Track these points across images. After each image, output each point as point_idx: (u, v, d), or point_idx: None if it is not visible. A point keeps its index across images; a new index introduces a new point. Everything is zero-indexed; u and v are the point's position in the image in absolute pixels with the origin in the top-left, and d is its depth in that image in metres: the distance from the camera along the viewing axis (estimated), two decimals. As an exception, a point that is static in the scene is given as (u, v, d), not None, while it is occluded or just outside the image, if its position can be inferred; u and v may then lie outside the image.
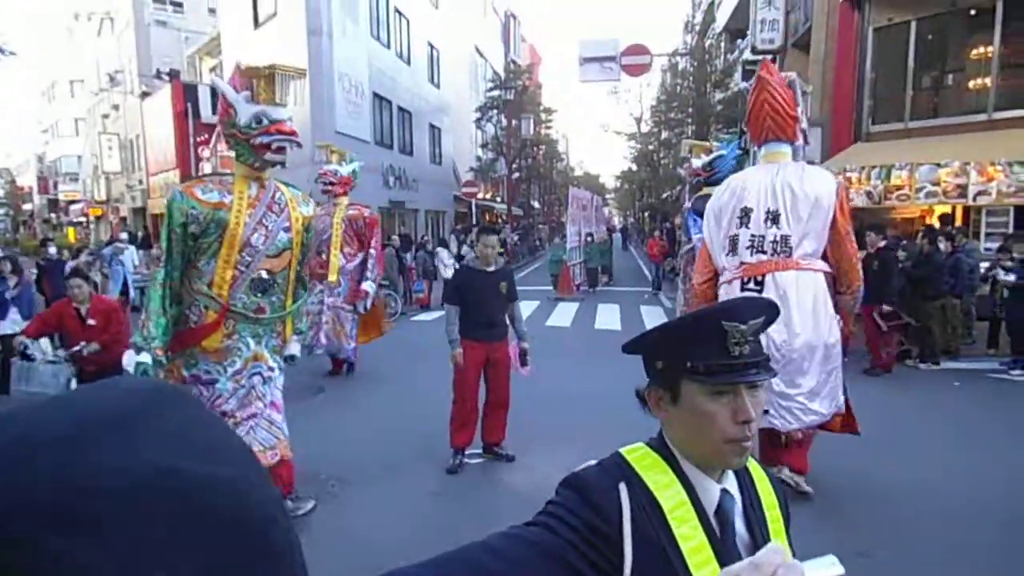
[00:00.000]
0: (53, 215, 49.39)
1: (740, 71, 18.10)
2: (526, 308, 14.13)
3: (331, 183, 8.03)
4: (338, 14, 17.20)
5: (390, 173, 20.70)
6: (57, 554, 0.31)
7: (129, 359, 3.72)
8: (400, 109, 21.84)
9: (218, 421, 0.44)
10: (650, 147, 35.87)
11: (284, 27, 17.36)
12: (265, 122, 3.65)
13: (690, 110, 21.66)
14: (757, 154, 4.78)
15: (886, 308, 7.79)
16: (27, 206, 57.88)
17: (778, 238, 4.25)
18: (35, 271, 9.83)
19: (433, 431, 5.45)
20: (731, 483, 1.17)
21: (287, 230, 3.88)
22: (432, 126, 25.28)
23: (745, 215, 4.38)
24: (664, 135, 32.90)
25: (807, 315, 4.25)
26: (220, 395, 3.81)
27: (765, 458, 4.55)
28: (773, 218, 4.26)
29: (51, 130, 48.05)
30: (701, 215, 7.92)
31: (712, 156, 9.03)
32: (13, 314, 7.27)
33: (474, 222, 24.20)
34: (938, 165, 9.69)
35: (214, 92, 22.75)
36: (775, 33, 16.11)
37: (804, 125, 4.65)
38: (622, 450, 1.19)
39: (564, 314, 13.42)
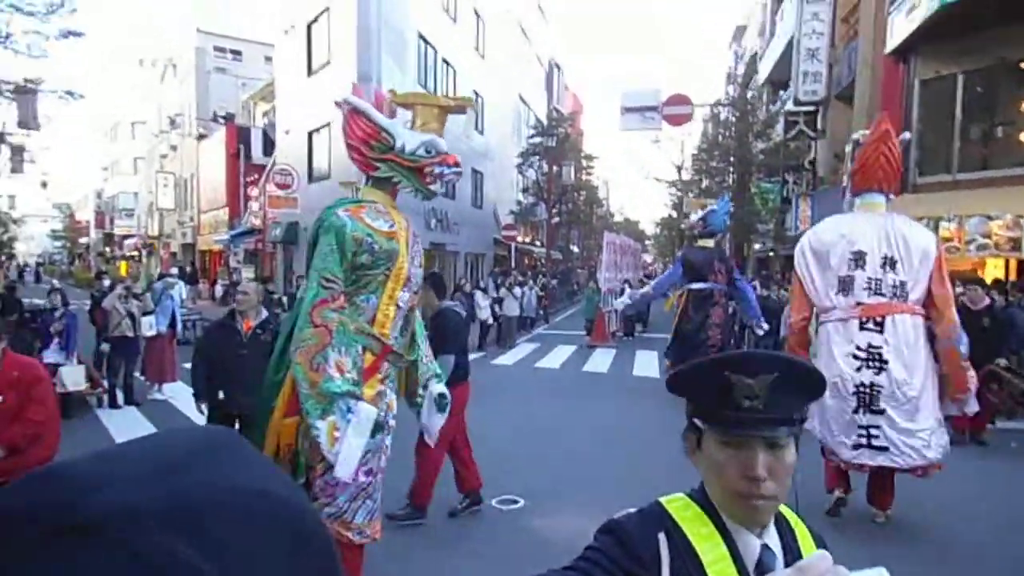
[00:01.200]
0: (107, 249, 51.30)
1: (783, 122, 18.09)
2: (563, 352, 14.17)
3: None
4: (388, 63, 17.85)
5: (432, 216, 21.08)
6: (182, 559, 0.35)
7: (365, 413, 3.06)
8: (444, 154, 22.34)
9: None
10: (691, 194, 35.83)
11: (336, 75, 18.05)
12: (434, 152, 3.47)
13: (732, 159, 21.68)
14: (852, 202, 5.13)
15: (1002, 362, 7.34)
16: (83, 240, 60.31)
17: (896, 283, 4.58)
18: (88, 302, 10.21)
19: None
20: (772, 538, 1.15)
21: (420, 265, 3.68)
22: (475, 171, 25.75)
23: (859, 258, 4.67)
24: (705, 183, 32.86)
25: (923, 357, 4.57)
26: (369, 450, 3.17)
27: (875, 501, 4.83)
28: (890, 264, 4.59)
29: (111, 168, 50.29)
30: (688, 264, 9.54)
31: (705, 211, 10.19)
32: (55, 345, 7.60)
33: (512, 265, 24.36)
34: (988, 217, 9.50)
35: (266, 134, 23.48)
36: (818, 85, 16.16)
37: None
38: (662, 499, 1.19)
39: (601, 360, 13.33)
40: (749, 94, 23.15)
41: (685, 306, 9.47)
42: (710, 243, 10.04)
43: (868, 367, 4.55)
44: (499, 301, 15.47)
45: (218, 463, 0.42)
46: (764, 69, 22.56)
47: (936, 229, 9.91)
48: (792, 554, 1.16)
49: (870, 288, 4.61)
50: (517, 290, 15.91)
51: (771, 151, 19.61)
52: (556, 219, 29.56)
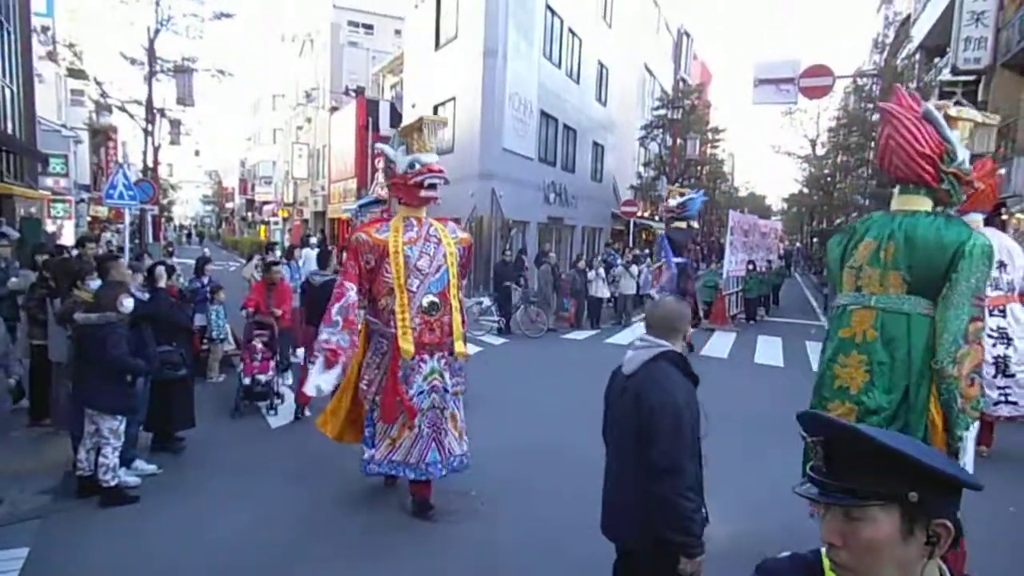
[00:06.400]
0: (249, 213, 55.34)
1: (937, 93, 16.48)
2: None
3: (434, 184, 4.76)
4: (514, 36, 17.83)
5: (551, 190, 21.07)
6: None
7: None
8: (565, 127, 22.18)
9: None
10: (825, 171, 33.68)
11: (462, 49, 18.30)
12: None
13: (873, 134, 20.06)
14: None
15: None
16: (229, 204, 65.45)
17: (1006, 281, 6.11)
18: (232, 265, 11.12)
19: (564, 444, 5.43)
20: None
21: None
22: (595, 143, 25.41)
23: None
24: (841, 158, 30.70)
25: None
26: None
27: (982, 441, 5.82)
28: (1001, 265, 6.03)
29: (253, 138, 53.94)
30: (672, 242, 12.36)
31: (684, 199, 13.23)
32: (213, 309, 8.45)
33: (630, 241, 23.99)
34: None
35: (393, 107, 24.14)
36: (982, 52, 14.61)
37: None
38: (824, 548, 1.13)
39: (721, 344, 12.91)
40: (898, 63, 21.24)
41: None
42: (683, 225, 12.62)
43: (1000, 343, 6.04)
44: (614, 281, 15.28)
45: None
46: (918, 34, 20.62)
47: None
48: None
49: (992, 284, 5.79)
50: (634, 268, 15.67)
51: (921, 125, 17.97)
52: (678, 194, 28.66)
